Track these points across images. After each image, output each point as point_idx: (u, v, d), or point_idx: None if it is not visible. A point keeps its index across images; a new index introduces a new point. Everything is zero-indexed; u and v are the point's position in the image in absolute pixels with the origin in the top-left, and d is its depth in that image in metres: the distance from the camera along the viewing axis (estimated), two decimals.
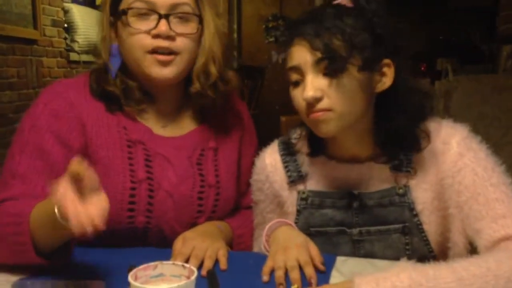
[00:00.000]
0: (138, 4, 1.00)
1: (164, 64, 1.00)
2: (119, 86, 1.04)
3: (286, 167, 1.05)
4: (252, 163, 1.18)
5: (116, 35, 1.05)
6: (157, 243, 1.05)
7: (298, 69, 0.92)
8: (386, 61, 0.93)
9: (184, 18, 1.02)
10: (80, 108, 1.03)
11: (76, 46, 3.92)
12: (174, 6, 1.00)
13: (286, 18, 5.51)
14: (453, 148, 0.95)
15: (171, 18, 1.00)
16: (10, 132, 3.18)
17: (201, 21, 1.05)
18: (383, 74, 0.94)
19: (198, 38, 1.06)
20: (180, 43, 1.01)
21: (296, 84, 0.94)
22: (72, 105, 1.03)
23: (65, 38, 3.88)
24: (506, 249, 0.83)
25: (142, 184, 1.01)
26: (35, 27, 3.43)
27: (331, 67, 0.88)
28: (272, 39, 5.61)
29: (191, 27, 1.03)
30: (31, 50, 3.42)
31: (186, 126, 1.13)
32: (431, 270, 0.76)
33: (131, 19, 1.00)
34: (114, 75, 1.04)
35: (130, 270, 0.74)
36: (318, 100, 0.90)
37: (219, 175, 1.10)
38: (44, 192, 0.92)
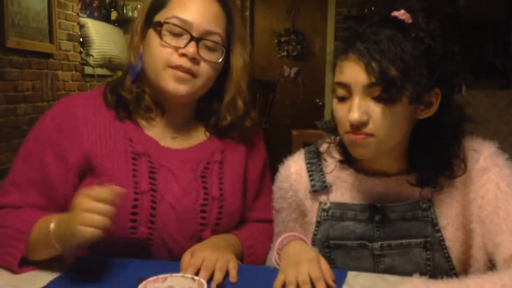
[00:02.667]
0: (175, 21, 1.03)
1: (181, 81, 1.03)
2: (133, 92, 1.08)
3: (310, 175, 1.04)
4: (259, 177, 1.17)
5: (142, 42, 1.08)
6: (161, 257, 1.05)
7: (347, 87, 0.89)
8: (436, 90, 0.90)
9: (212, 46, 1.05)
10: (85, 122, 1.06)
11: (91, 60, 3.98)
12: (207, 33, 1.04)
13: (298, 33, 5.55)
14: (479, 163, 0.94)
15: (201, 44, 1.03)
16: None
17: (228, 54, 1.09)
18: (430, 104, 0.92)
19: (220, 67, 1.09)
20: (202, 68, 1.04)
21: (341, 99, 0.92)
22: (77, 120, 1.06)
23: (80, 52, 3.95)
24: None
25: (144, 195, 1.02)
26: (51, 41, 3.49)
27: (384, 95, 0.86)
28: (284, 54, 5.64)
29: (216, 57, 1.06)
30: (46, 63, 3.48)
31: (194, 138, 1.14)
32: (444, 286, 0.74)
33: (164, 33, 1.03)
34: (133, 79, 1.08)
35: (139, 282, 0.74)
36: (363, 124, 0.88)
37: (223, 188, 1.10)
38: (36, 203, 1.02)
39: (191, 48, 1.02)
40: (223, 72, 1.11)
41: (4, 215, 1.01)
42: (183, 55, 1.02)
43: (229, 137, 1.15)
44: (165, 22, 1.03)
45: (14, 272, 0.94)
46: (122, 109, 1.08)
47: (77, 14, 3.91)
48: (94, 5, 4.22)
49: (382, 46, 0.85)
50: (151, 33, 1.05)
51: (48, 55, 3.49)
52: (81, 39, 3.93)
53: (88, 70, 3.99)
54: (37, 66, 3.36)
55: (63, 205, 1.02)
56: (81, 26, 3.93)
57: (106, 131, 1.06)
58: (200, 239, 1.06)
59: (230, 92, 1.12)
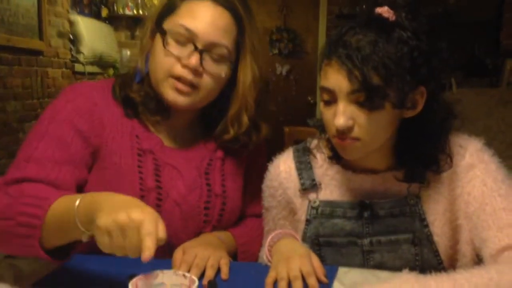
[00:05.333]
0: (180, 30, 1.00)
1: (181, 93, 1.01)
2: (141, 94, 1.06)
3: (299, 174, 1.05)
4: (260, 173, 1.17)
5: (151, 45, 1.06)
6: (162, 253, 1.04)
7: (331, 92, 0.89)
8: (421, 89, 0.90)
9: (217, 58, 1.02)
10: (102, 110, 1.05)
11: (81, 57, 3.94)
12: (212, 45, 1.01)
13: (290, 31, 5.55)
14: (465, 159, 0.95)
15: (205, 55, 1.00)
16: (15, 142, 3.19)
17: (236, 67, 1.05)
18: (415, 103, 0.91)
19: (225, 80, 1.06)
20: (204, 80, 1.01)
21: (327, 103, 0.92)
22: (96, 105, 1.04)
23: (71, 49, 3.91)
24: (509, 259, 0.82)
25: (151, 193, 1.02)
26: (41, 38, 3.46)
27: (368, 103, 0.86)
28: (276, 52, 5.63)
29: (221, 69, 1.03)
30: (36, 61, 3.45)
31: (195, 138, 1.14)
32: (433, 281, 0.75)
33: (169, 41, 1.01)
34: (139, 80, 1.07)
35: (130, 278, 0.74)
36: (349, 129, 0.88)
37: (225, 185, 1.11)
38: (59, 181, 0.93)
39: (193, 60, 0.99)
40: (231, 84, 1.08)
41: (24, 187, 0.89)
42: (185, 66, 1.00)
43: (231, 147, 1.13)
44: (171, 31, 1.01)
45: (38, 252, 0.82)
46: (130, 108, 1.07)
47: (67, 11, 3.87)
48: (84, 2, 4.18)
49: (363, 53, 0.85)
50: (158, 38, 1.03)
51: (38, 52, 3.45)
52: (71, 36, 3.90)
53: (78, 67, 3.96)
54: (26, 63, 3.33)
55: (80, 186, 1.00)
56: (71, 23, 3.89)
57: (115, 125, 1.05)
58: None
59: (235, 106, 1.08)
